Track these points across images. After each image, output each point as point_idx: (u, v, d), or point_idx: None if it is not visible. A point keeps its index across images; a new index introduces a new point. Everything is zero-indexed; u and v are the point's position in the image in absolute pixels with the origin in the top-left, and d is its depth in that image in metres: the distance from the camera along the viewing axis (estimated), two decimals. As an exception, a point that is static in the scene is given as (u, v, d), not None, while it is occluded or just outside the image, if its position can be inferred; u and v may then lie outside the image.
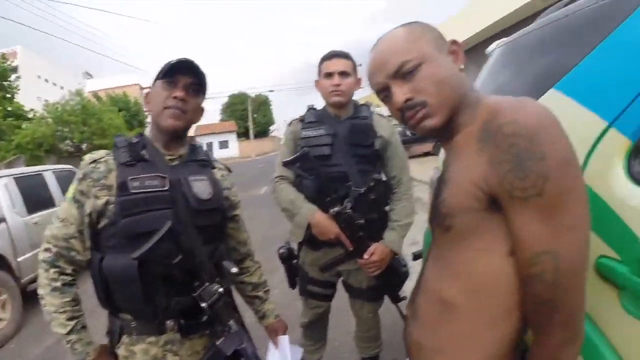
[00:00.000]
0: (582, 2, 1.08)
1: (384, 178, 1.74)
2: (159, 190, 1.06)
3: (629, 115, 0.80)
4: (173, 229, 1.01)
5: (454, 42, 0.80)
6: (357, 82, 1.76)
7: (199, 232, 1.10)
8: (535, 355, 0.69)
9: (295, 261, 1.88)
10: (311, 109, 1.86)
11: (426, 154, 11.20)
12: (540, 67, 1.18)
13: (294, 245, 1.85)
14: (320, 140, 1.70)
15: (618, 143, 0.82)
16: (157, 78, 1.12)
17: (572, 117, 0.93)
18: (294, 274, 1.90)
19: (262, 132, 49.96)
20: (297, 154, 1.60)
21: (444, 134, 0.80)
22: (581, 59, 0.97)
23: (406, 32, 0.77)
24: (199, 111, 1.19)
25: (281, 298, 3.51)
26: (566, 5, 1.20)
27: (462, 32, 14.88)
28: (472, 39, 15.06)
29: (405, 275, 1.76)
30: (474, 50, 15.86)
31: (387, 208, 1.76)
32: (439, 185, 0.79)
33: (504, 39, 1.56)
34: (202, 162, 1.21)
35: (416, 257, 1.97)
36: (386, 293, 1.80)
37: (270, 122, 52.55)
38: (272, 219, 7.11)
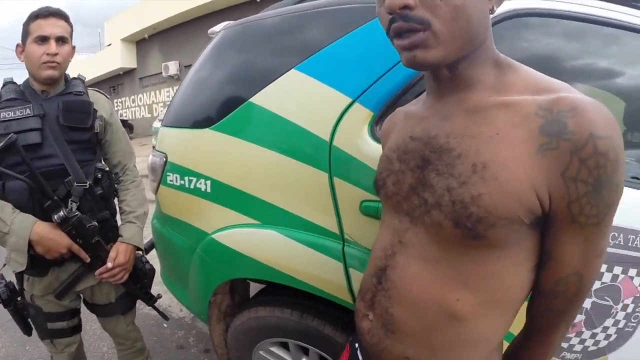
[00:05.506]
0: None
1: (106, 167, 1.49)
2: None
3: (371, 93, 1.07)
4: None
5: None
6: (72, 52, 1.41)
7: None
8: (534, 348, 0.71)
9: (20, 299, 1.43)
10: (9, 82, 1.40)
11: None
12: (279, 51, 1.31)
13: (11, 278, 1.38)
14: (26, 123, 1.30)
15: (363, 114, 1.09)
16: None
17: (316, 94, 1.17)
18: (24, 316, 1.46)
19: None
20: None
21: (443, 79, 0.63)
22: (324, 46, 1.16)
23: None
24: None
25: (9, 347, 2.40)
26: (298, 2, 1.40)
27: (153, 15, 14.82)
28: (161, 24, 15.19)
29: (152, 272, 1.59)
30: (161, 35, 16.04)
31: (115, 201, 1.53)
32: (444, 157, 0.61)
33: (231, 22, 1.54)
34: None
35: (147, 250, 1.74)
36: (138, 297, 1.59)
37: None
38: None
